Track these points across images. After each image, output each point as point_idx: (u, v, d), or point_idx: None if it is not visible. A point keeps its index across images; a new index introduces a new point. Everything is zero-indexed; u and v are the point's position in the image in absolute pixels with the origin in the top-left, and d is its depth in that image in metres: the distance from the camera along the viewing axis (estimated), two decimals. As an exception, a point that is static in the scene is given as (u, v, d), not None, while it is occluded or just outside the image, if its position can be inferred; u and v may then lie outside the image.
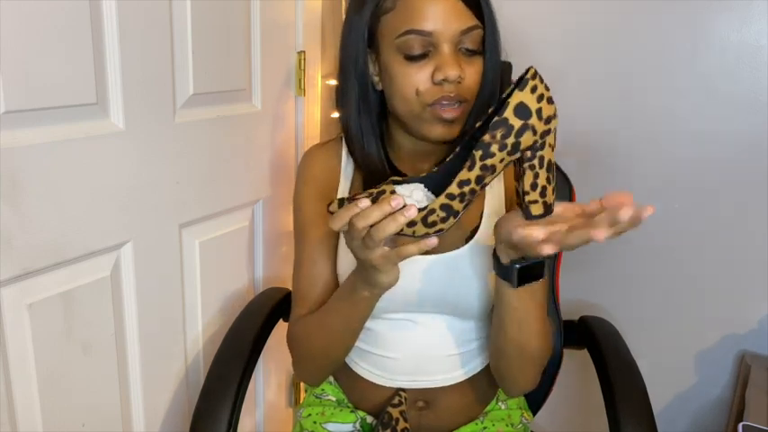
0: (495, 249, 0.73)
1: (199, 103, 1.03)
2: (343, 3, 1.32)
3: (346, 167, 0.92)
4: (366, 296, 0.76)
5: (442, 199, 0.65)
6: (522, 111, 0.62)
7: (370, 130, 0.86)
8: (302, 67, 1.27)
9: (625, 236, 1.43)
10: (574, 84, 1.28)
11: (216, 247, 1.14)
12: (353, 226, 0.65)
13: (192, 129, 1.03)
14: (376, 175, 0.87)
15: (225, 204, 1.14)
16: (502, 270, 0.72)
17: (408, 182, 0.70)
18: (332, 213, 0.67)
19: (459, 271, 0.84)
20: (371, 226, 0.65)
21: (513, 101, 0.61)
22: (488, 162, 0.63)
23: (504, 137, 0.62)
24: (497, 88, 0.83)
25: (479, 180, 0.64)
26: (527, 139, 0.62)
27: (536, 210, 0.66)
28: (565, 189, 1.02)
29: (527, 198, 0.65)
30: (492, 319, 0.83)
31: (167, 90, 0.97)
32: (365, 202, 0.65)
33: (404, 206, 0.64)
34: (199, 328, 1.13)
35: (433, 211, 0.65)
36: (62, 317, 0.88)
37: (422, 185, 0.70)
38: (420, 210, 0.65)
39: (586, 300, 1.37)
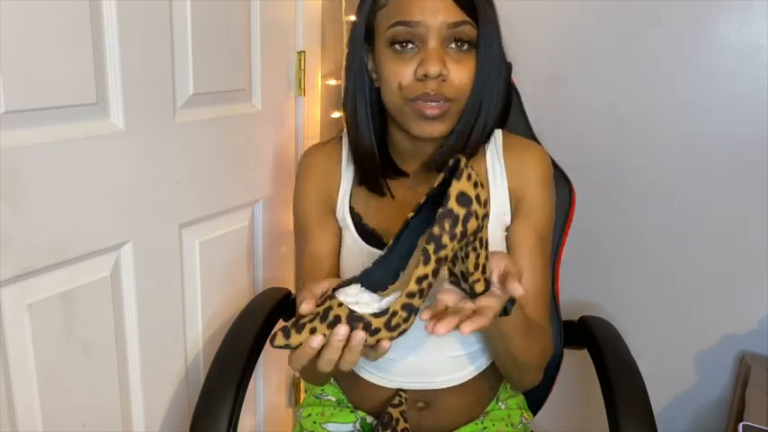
0: None
1: (199, 103, 1.03)
2: (343, 3, 1.32)
3: (347, 166, 0.92)
4: None
5: (403, 299, 0.64)
6: (463, 199, 0.63)
7: (366, 125, 0.86)
8: (302, 67, 1.27)
9: (625, 236, 1.43)
10: (574, 84, 1.28)
11: (216, 247, 1.14)
12: (321, 371, 0.64)
13: (192, 129, 1.03)
14: (368, 171, 0.87)
15: (225, 204, 1.14)
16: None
17: (348, 284, 0.67)
18: (275, 345, 0.63)
19: None
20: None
21: (454, 191, 0.62)
22: (442, 254, 0.63)
23: (453, 227, 0.63)
24: (497, 88, 0.82)
25: (435, 273, 0.64)
26: (472, 225, 0.64)
27: (479, 287, 0.67)
28: (565, 189, 1.02)
29: (471, 278, 0.67)
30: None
31: (167, 90, 0.97)
32: (317, 341, 0.61)
33: (352, 331, 0.62)
34: (199, 328, 1.13)
35: (395, 314, 0.64)
36: (62, 317, 0.88)
37: (363, 288, 0.68)
38: (379, 315, 0.64)
39: (586, 300, 1.37)
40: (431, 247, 0.63)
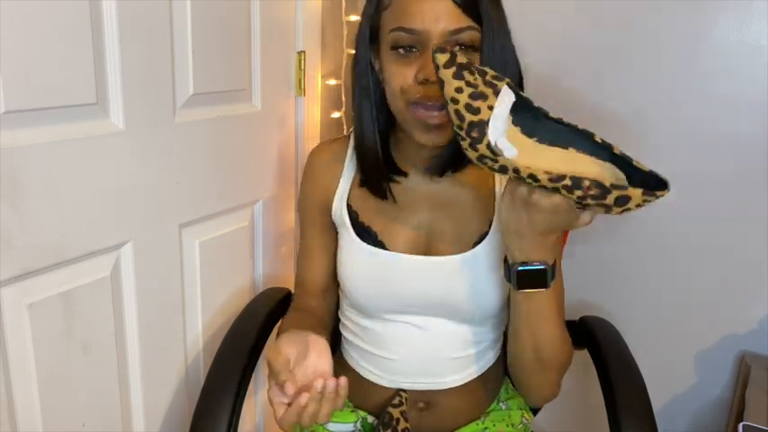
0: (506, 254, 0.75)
1: (199, 103, 1.03)
2: (344, 3, 1.32)
3: (349, 164, 0.92)
4: None
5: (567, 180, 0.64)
6: None
7: (370, 125, 0.86)
8: (302, 67, 1.27)
9: (625, 236, 1.43)
10: (573, 84, 1.28)
11: (216, 247, 1.14)
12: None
13: (192, 129, 1.03)
14: (371, 174, 0.87)
15: (225, 204, 1.14)
16: (506, 271, 0.74)
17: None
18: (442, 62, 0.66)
19: (463, 275, 0.84)
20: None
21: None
22: None
23: None
24: None
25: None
26: None
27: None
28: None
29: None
30: (509, 328, 0.85)
31: (167, 90, 0.97)
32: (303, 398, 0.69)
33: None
34: (199, 328, 1.13)
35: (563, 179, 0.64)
36: (62, 317, 0.88)
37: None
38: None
39: (586, 300, 1.37)
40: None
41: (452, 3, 0.74)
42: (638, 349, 0.97)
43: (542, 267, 0.72)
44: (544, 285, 0.72)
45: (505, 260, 0.75)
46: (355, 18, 1.35)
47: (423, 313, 0.87)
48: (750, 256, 1.23)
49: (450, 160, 0.84)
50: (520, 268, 0.72)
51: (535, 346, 0.81)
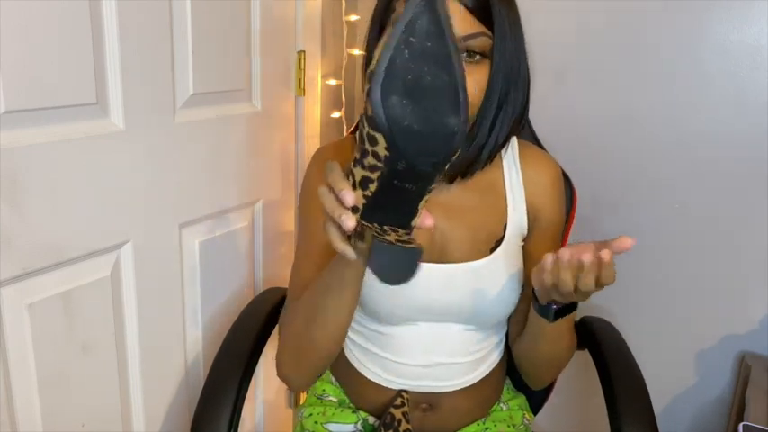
0: (533, 291, 0.79)
1: (199, 103, 1.03)
2: (344, 3, 1.32)
3: None
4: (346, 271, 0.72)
5: None
6: None
7: None
8: (302, 67, 1.27)
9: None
10: (574, 84, 1.28)
11: (216, 247, 1.14)
12: None
13: (192, 129, 1.03)
14: None
15: (225, 204, 1.14)
16: (540, 309, 0.80)
17: None
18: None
19: (481, 281, 0.84)
20: None
21: None
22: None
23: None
24: (514, 98, 0.80)
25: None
26: None
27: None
28: (566, 189, 1.02)
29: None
30: (524, 337, 0.89)
31: (167, 90, 0.97)
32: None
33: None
34: (199, 328, 1.13)
35: None
36: (62, 317, 0.88)
37: None
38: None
39: (587, 300, 1.37)
40: None
41: (464, 7, 0.72)
42: (638, 349, 0.97)
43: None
44: (574, 309, 0.81)
45: (535, 299, 0.80)
46: (355, 18, 1.35)
47: (436, 320, 0.87)
48: (750, 256, 1.23)
49: (459, 166, 0.83)
50: (556, 307, 0.80)
51: (552, 354, 0.88)
